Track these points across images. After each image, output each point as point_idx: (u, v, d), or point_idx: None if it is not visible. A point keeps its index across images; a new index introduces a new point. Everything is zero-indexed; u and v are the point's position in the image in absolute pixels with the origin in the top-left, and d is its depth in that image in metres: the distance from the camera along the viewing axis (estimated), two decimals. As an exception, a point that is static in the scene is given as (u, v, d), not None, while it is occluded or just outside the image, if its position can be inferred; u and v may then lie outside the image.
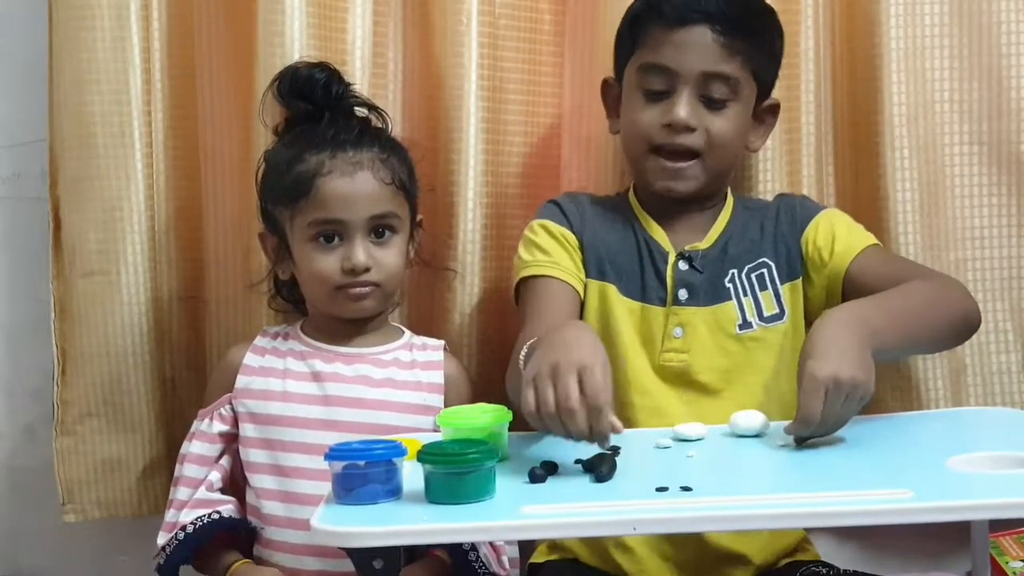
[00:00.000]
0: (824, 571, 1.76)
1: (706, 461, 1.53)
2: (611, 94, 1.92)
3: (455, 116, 2.01)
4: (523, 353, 1.59)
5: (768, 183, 2.01)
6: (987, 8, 2.03)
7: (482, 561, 1.73)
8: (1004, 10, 2.03)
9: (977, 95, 2.04)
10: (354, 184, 1.81)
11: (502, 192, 2.04)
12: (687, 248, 1.84)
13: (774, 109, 1.92)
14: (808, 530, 1.87)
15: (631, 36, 1.86)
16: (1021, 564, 1.94)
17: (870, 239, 1.86)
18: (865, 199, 2.05)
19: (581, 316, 1.84)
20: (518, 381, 1.62)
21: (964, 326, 1.80)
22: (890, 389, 2.02)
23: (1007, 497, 1.32)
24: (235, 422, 1.85)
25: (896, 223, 2.01)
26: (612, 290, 1.84)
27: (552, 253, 1.84)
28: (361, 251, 1.80)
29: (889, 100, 2.01)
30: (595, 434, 1.43)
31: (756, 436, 1.61)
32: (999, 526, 1.96)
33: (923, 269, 1.91)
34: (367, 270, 1.81)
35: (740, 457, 1.56)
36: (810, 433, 1.52)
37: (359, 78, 1.99)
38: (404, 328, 1.94)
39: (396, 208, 1.84)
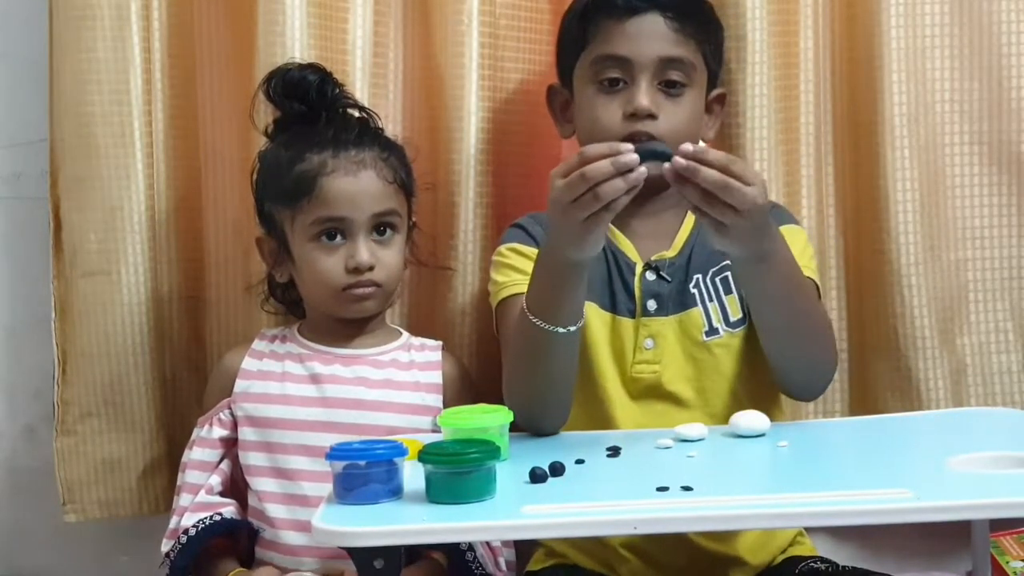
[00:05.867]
0: (823, 566, 1.76)
1: (707, 461, 1.53)
2: (558, 100, 1.93)
3: (455, 116, 2.01)
4: (524, 311, 1.62)
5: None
6: (987, 8, 2.03)
7: (479, 561, 1.73)
8: (1004, 10, 2.03)
9: (977, 95, 2.05)
10: (358, 183, 1.81)
11: (502, 192, 2.04)
12: (654, 258, 1.83)
13: (721, 99, 1.93)
14: (807, 529, 1.87)
15: (580, 31, 1.85)
16: (1022, 564, 1.94)
17: (810, 271, 1.80)
18: (865, 199, 2.05)
19: None
20: (515, 394, 1.66)
21: (817, 364, 1.75)
22: (890, 389, 2.03)
23: (1007, 497, 1.32)
24: (235, 426, 1.85)
25: (896, 223, 2.01)
26: (592, 307, 1.80)
27: (528, 272, 1.78)
28: (364, 249, 1.81)
29: (889, 100, 2.01)
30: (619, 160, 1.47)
31: (757, 436, 1.61)
32: (999, 526, 1.96)
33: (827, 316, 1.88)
34: (370, 268, 1.81)
35: (741, 457, 1.56)
36: (697, 159, 1.48)
37: (359, 78, 1.99)
38: (402, 329, 1.94)
39: (397, 206, 1.85)
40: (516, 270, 1.83)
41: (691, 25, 1.83)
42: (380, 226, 1.83)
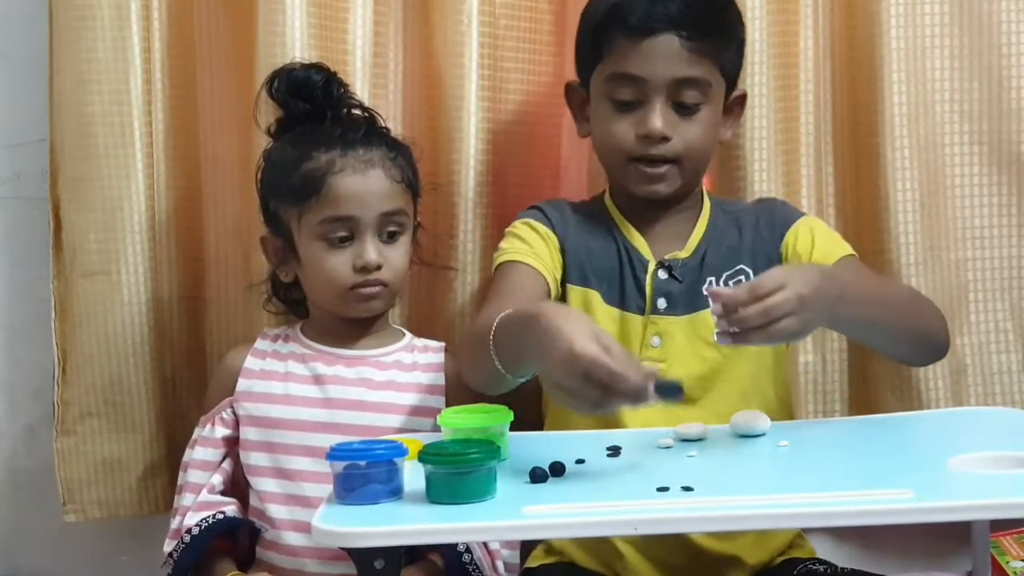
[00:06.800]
0: (822, 568, 1.76)
1: (707, 461, 1.53)
2: (576, 98, 1.91)
3: (455, 116, 2.01)
4: (494, 326, 1.58)
5: (764, 183, 2.01)
6: (987, 8, 2.03)
7: (476, 564, 1.73)
8: (1004, 10, 2.03)
9: (977, 95, 2.05)
10: (366, 181, 1.81)
11: (502, 192, 2.04)
12: (667, 257, 1.83)
13: (741, 100, 1.91)
14: (806, 530, 1.87)
15: (595, 45, 1.83)
16: (1022, 564, 1.94)
17: (846, 249, 1.85)
18: (865, 199, 2.05)
19: None
20: (478, 357, 1.63)
21: (928, 341, 1.78)
22: (890, 389, 2.03)
23: (1008, 497, 1.32)
24: (236, 425, 1.85)
25: (896, 223, 2.01)
26: (596, 297, 1.82)
27: (532, 245, 1.83)
28: (372, 249, 1.81)
29: (889, 100, 2.01)
30: (648, 381, 1.43)
31: (757, 436, 1.61)
32: (1000, 526, 1.96)
33: (893, 281, 1.94)
34: (378, 268, 1.81)
35: (741, 457, 1.56)
36: (731, 309, 1.49)
37: (359, 78, 1.99)
38: (405, 330, 1.94)
39: (405, 206, 1.85)
40: (523, 241, 1.84)
41: (708, 42, 1.79)
42: (388, 225, 1.83)
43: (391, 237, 1.84)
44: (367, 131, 1.86)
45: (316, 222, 1.81)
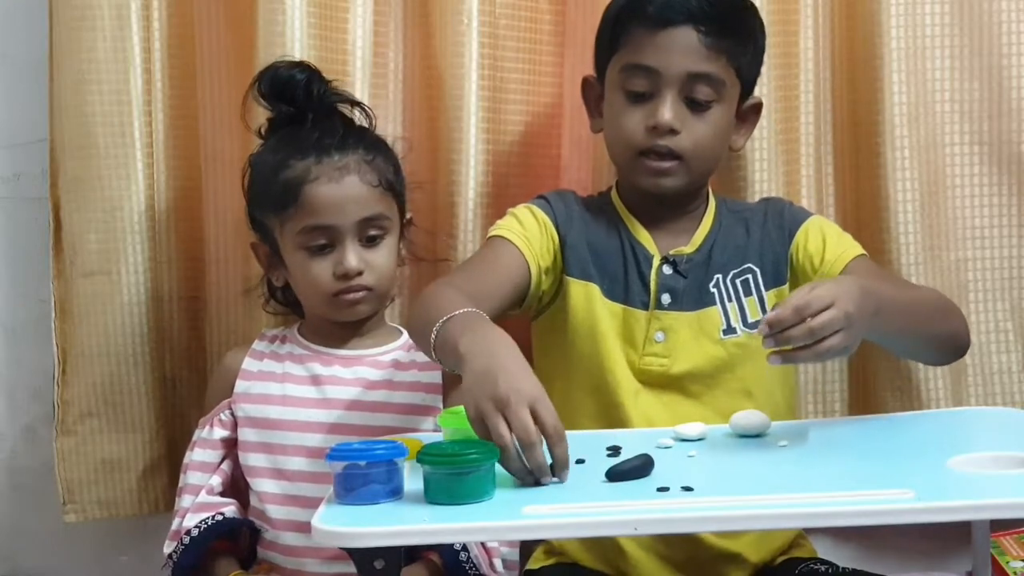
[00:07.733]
0: (823, 568, 1.76)
1: (707, 461, 1.53)
2: (592, 93, 1.90)
3: (455, 116, 2.01)
4: (438, 325, 1.55)
5: (764, 183, 2.01)
6: (987, 8, 2.03)
7: (473, 562, 1.73)
8: (1004, 10, 2.03)
9: (977, 95, 2.05)
10: (341, 189, 1.80)
11: (502, 192, 2.04)
12: (672, 252, 1.83)
13: (757, 108, 1.90)
14: (807, 530, 1.87)
15: (612, 36, 1.83)
16: (1022, 564, 1.94)
17: (858, 248, 1.85)
18: (865, 199, 2.05)
19: (545, 309, 1.85)
20: (420, 332, 1.61)
21: (955, 344, 1.79)
22: (890, 389, 2.03)
23: (1008, 497, 1.32)
24: (235, 427, 1.85)
25: (896, 223, 2.01)
26: (596, 291, 1.82)
27: (527, 228, 1.83)
28: (352, 255, 1.80)
29: (889, 100, 2.01)
30: (557, 463, 1.41)
31: (757, 436, 1.61)
32: (1000, 526, 1.96)
33: (911, 283, 1.95)
34: (359, 274, 1.81)
35: (741, 457, 1.56)
36: (776, 330, 1.48)
37: (359, 78, 1.99)
38: (402, 328, 1.94)
39: (384, 209, 1.84)
40: (519, 222, 1.84)
41: (726, 40, 1.78)
42: (368, 230, 1.82)
43: (372, 241, 1.83)
44: (343, 135, 1.84)
45: (296, 231, 1.80)
